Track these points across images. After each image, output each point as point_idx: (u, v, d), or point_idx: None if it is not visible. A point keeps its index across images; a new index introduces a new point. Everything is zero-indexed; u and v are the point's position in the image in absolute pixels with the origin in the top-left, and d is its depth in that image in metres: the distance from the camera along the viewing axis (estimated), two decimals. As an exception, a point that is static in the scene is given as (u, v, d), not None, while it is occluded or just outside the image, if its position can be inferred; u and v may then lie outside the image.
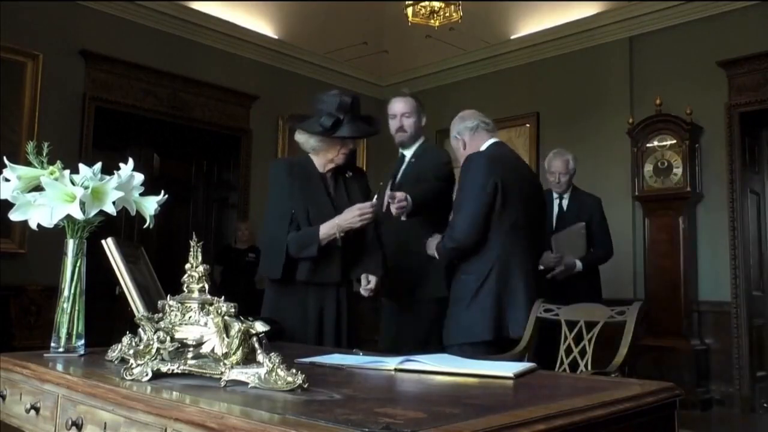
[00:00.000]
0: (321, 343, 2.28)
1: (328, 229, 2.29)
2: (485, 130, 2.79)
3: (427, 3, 4.73)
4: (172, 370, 1.26)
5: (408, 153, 3.01)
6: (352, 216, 2.28)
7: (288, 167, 2.46)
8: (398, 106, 3.01)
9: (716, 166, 5.20)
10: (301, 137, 2.41)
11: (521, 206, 2.65)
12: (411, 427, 0.86)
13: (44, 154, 1.63)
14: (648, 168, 5.39)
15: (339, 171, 2.48)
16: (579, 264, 3.63)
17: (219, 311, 1.25)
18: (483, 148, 2.74)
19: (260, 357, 1.20)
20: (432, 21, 4.82)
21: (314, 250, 2.27)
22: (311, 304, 2.35)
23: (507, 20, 6.01)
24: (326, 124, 2.30)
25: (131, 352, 1.29)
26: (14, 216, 1.59)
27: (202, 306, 1.28)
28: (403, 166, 2.99)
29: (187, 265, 1.36)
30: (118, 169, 1.68)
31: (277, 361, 1.17)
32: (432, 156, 3.00)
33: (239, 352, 1.20)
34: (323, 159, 2.43)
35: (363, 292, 2.40)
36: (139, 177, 1.71)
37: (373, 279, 2.39)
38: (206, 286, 1.33)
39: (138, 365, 1.27)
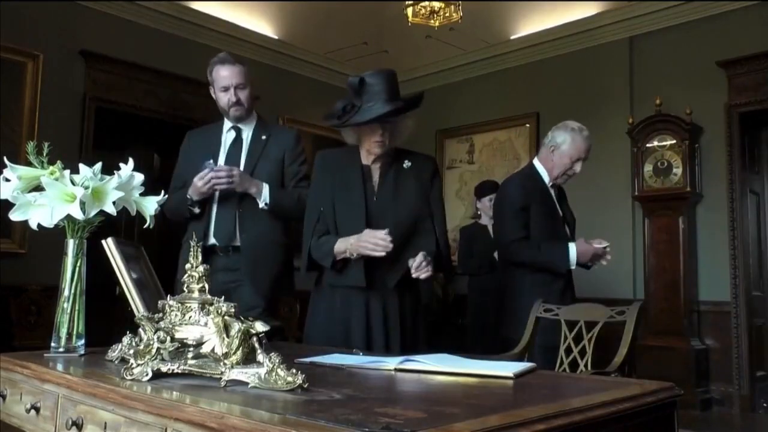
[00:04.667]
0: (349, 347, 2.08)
1: (341, 246, 2.12)
2: None
3: (427, 3, 4.73)
4: (172, 370, 1.26)
5: (247, 129, 2.73)
6: (365, 243, 2.05)
7: (322, 160, 2.31)
8: (229, 75, 2.66)
9: (716, 167, 5.21)
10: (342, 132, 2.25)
11: None
12: (411, 427, 0.86)
13: (44, 154, 1.63)
14: (648, 168, 5.39)
15: (395, 160, 2.25)
16: None
17: (219, 311, 1.25)
18: None
19: (260, 357, 1.20)
20: (432, 21, 4.81)
21: (329, 263, 2.16)
22: (338, 308, 2.20)
23: (507, 20, 6.01)
24: (335, 113, 2.13)
25: (131, 352, 1.29)
26: (14, 216, 1.59)
27: (202, 306, 1.28)
28: (247, 145, 2.71)
29: (187, 265, 1.36)
30: (118, 169, 1.68)
31: (277, 361, 1.17)
32: (285, 135, 2.80)
33: (239, 352, 1.20)
34: (364, 150, 2.24)
35: (414, 274, 2.09)
36: (139, 177, 1.72)
37: (418, 256, 2.07)
38: (206, 286, 1.33)
39: (138, 365, 1.27)
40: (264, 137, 2.72)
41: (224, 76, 2.67)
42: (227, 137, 2.75)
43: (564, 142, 2.91)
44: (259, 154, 2.68)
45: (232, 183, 2.52)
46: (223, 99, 2.69)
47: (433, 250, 2.16)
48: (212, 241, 2.62)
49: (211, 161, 2.57)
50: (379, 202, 2.21)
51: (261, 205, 2.59)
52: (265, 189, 2.59)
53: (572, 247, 2.79)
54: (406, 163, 2.25)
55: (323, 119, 2.25)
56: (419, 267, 2.07)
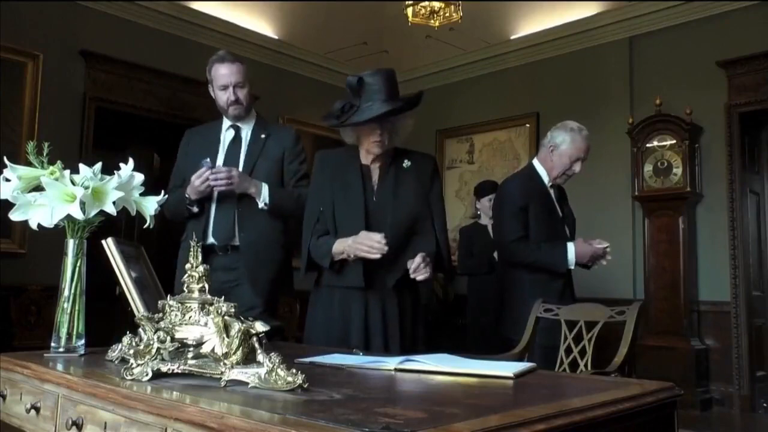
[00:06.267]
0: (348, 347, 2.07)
1: (339, 247, 2.14)
2: None
3: (427, 3, 4.73)
4: (172, 370, 1.26)
5: (246, 128, 2.75)
6: (361, 245, 2.06)
7: (322, 160, 2.33)
8: (228, 73, 2.66)
9: (716, 167, 5.21)
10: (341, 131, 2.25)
11: None
12: (411, 427, 0.86)
13: (44, 154, 1.63)
14: (648, 168, 5.39)
15: (394, 160, 2.26)
16: None
17: (219, 311, 1.25)
18: None
19: (260, 357, 1.20)
20: (432, 21, 4.81)
21: (327, 263, 2.17)
22: (336, 309, 2.21)
23: (507, 20, 6.01)
24: (334, 112, 2.13)
25: (131, 352, 1.29)
26: (14, 216, 1.59)
27: (202, 306, 1.28)
28: (246, 144, 2.72)
29: (187, 265, 1.36)
30: (118, 169, 1.68)
31: (277, 361, 1.17)
32: (284, 134, 2.82)
33: (239, 352, 1.20)
34: (363, 150, 2.24)
35: (412, 275, 2.09)
36: (139, 177, 1.72)
37: (417, 257, 2.07)
38: (206, 286, 1.33)
39: (138, 365, 1.27)
40: (263, 136, 2.73)
41: (223, 74, 2.67)
42: (226, 136, 2.76)
43: (563, 142, 2.91)
44: (258, 153, 2.69)
45: (231, 184, 2.54)
46: (222, 97, 2.70)
47: (432, 250, 2.17)
48: (211, 240, 2.62)
49: (208, 160, 2.57)
50: (378, 202, 2.21)
51: (260, 205, 2.60)
52: (265, 189, 2.60)
53: (571, 247, 2.80)
54: (406, 163, 2.25)
55: (322, 119, 2.26)
56: (417, 269, 2.07)
